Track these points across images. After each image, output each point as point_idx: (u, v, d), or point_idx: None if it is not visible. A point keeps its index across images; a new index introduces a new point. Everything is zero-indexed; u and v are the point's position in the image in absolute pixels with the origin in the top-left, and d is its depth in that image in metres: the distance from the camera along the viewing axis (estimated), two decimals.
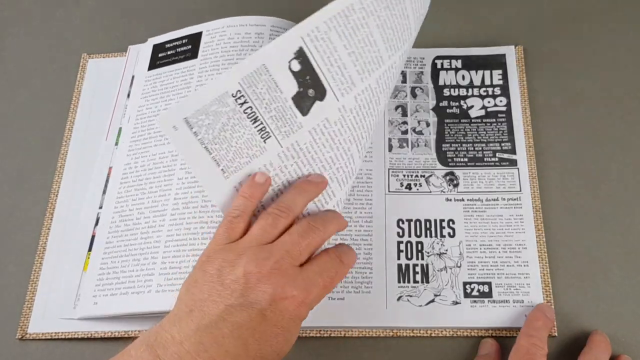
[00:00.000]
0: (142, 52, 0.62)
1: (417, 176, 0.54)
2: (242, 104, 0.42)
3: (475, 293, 0.49)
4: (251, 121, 0.42)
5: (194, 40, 0.60)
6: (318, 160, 0.44)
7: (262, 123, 0.42)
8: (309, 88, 0.42)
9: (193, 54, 0.59)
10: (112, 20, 0.66)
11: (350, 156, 0.45)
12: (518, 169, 0.54)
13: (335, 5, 0.40)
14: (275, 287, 0.39)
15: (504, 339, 0.48)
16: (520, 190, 0.53)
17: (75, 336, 0.50)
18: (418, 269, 0.50)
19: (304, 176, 0.45)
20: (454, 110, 0.57)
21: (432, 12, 0.63)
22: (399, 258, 0.51)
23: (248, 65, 0.41)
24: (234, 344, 0.38)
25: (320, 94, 0.42)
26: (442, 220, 0.52)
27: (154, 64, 0.60)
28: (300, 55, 0.41)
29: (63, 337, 0.50)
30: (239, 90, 0.41)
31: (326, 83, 0.42)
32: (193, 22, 0.61)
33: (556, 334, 0.48)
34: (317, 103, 0.42)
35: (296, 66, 0.41)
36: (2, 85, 0.63)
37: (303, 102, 0.42)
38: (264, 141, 0.43)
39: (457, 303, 0.49)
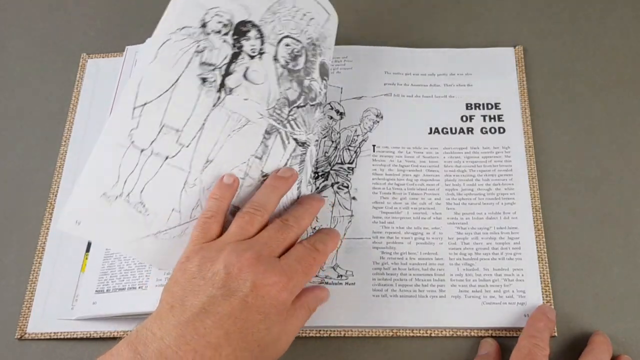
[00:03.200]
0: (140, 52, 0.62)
1: None
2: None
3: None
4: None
5: None
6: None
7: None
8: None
9: None
10: (112, 20, 0.66)
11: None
12: (518, 168, 0.54)
13: None
14: (256, 273, 0.40)
15: (504, 339, 0.48)
16: (520, 190, 0.53)
17: (74, 336, 0.50)
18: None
19: (274, 171, 0.47)
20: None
21: (431, 12, 0.63)
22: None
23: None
24: (215, 334, 0.38)
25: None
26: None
27: None
28: None
29: (62, 337, 0.50)
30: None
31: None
32: None
33: (556, 334, 0.48)
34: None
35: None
36: (2, 85, 0.63)
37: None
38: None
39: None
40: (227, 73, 0.47)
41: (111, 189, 0.44)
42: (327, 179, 0.54)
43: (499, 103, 0.57)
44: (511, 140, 0.55)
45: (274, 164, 0.48)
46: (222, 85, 0.46)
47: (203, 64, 0.46)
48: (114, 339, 0.50)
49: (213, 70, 0.46)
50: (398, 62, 0.59)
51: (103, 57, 0.63)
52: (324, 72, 0.52)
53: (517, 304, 0.49)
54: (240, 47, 0.48)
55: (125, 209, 0.44)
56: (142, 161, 0.44)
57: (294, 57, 0.49)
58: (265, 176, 0.48)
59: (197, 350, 0.38)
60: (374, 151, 0.55)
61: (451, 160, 0.55)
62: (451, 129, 0.56)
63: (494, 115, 0.56)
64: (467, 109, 0.57)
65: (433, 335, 0.48)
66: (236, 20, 0.48)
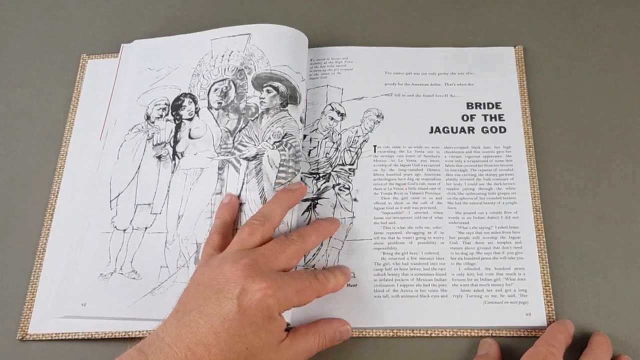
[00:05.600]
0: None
1: None
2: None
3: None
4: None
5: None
6: None
7: None
8: None
9: None
10: (112, 21, 0.65)
11: None
12: (518, 168, 0.54)
13: None
14: (246, 277, 0.42)
15: (504, 339, 0.48)
16: (521, 190, 0.53)
17: (76, 337, 0.50)
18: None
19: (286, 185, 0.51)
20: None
21: (431, 11, 0.63)
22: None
23: None
24: (206, 333, 0.40)
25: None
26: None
27: None
28: None
29: (63, 337, 0.50)
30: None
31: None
32: (192, 23, 0.61)
33: None
34: None
35: None
36: (2, 85, 0.63)
37: None
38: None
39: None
40: (176, 142, 0.55)
41: (105, 268, 0.51)
42: (328, 181, 0.54)
43: (500, 102, 0.57)
44: (512, 140, 0.55)
45: (232, 189, 0.52)
46: (175, 153, 0.55)
47: (155, 145, 0.55)
48: (116, 339, 0.50)
49: (164, 146, 0.55)
50: (398, 62, 0.59)
51: (103, 58, 0.63)
52: (260, 83, 0.55)
53: (519, 303, 0.49)
54: (180, 118, 0.56)
55: (121, 280, 0.50)
56: (127, 239, 0.52)
57: (224, 95, 0.56)
58: None
59: (189, 347, 0.40)
60: (375, 152, 0.55)
61: (452, 159, 0.55)
62: (452, 128, 0.56)
63: (495, 115, 0.56)
64: (468, 108, 0.57)
65: (433, 335, 0.49)
66: (171, 100, 0.57)
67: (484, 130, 0.56)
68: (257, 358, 0.42)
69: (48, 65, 0.63)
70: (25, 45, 0.65)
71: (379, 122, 0.57)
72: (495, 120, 0.56)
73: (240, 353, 0.41)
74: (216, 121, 0.54)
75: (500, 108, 0.57)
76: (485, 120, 0.56)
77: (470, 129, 0.56)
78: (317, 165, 0.55)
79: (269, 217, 0.48)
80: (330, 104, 0.57)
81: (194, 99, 0.56)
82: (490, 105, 0.57)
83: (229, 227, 0.49)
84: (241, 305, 0.41)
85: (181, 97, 0.57)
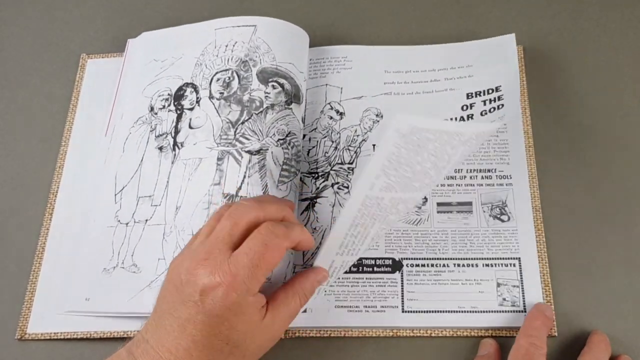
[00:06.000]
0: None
1: None
2: None
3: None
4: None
5: None
6: None
7: None
8: None
9: None
10: (112, 20, 0.65)
11: None
12: (518, 168, 0.54)
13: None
14: (201, 277, 0.40)
15: (504, 339, 0.48)
16: (521, 190, 0.53)
17: (75, 336, 0.50)
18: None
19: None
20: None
21: (431, 11, 0.63)
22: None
23: None
24: (183, 337, 0.39)
25: None
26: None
27: None
28: None
29: (62, 337, 0.50)
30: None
31: None
32: (192, 22, 0.61)
33: (556, 333, 0.48)
34: None
35: None
36: (2, 85, 0.63)
37: None
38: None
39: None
40: (176, 132, 0.55)
41: (109, 262, 0.51)
42: (327, 180, 0.54)
43: (501, 95, 0.56)
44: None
45: (232, 182, 0.51)
46: (175, 143, 0.54)
47: (157, 137, 0.55)
48: (115, 339, 0.50)
49: (165, 137, 0.55)
50: (398, 61, 0.59)
51: (103, 57, 0.63)
52: (266, 77, 0.55)
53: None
54: (182, 108, 0.56)
55: (122, 274, 0.51)
56: (129, 232, 0.52)
57: (227, 85, 0.55)
58: (227, 197, 0.50)
59: (171, 351, 0.39)
60: (374, 151, 0.55)
61: None
62: (451, 119, 0.56)
63: (495, 107, 0.56)
64: (467, 98, 0.57)
65: (433, 335, 0.48)
66: (174, 90, 0.56)
67: (482, 113, 0.56)
68: (243, 345, 0.41)
69: (48, 65, 0.63)
70: (25, 45, 0.65)
71: (378, 121, 0.57)
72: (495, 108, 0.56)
73: (222, 350, 0.40)
74: (217, 111, 0.54)
75: (500, 91, 0.56)
76: (484, 115, 0.56)
77: (470, 116, 0.56)
78: (316, 164, 0.55)
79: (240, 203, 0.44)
80: (329, 103, 0.57)
81: (195, 89, 0.56)
82: (491, 91, 0.56)
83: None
84: (206, 309, 0.39)
85: (183, 87, 0.56)
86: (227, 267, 0.40)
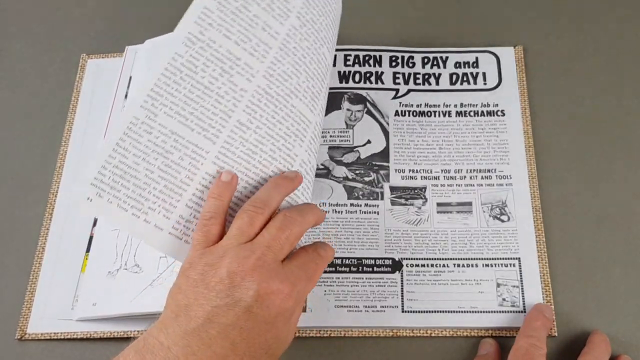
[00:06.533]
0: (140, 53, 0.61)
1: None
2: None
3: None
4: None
5: None
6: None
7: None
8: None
9: None
10: (112, 20, 0.66)
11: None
12: (518, 168, 0.54)
13: None
14: (259, 282, 0.38)
15: (504, 339, 0.48)
16: (520, 190, 0.53)
17: (75, 336, 0.50)
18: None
19: (277, 173, 0.46)
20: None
21: (432, 12, 0.63)
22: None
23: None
24: (221, 344, 0.38)
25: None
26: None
27: None
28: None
29: (62, 337, 0.50)
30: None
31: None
32: None
33: (556, 334, 0.48)
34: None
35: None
36: (2, 85, 0.63)
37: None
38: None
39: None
40: None
41: (113, 265, 0.51)
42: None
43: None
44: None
45: None
46: None
47: None
48: (114, 339, 0.50)
49: None
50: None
51: (103, 57, 0.63)
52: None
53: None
54: None
55: (125, 276, 0.51)
56: None
57: None
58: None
59: None
60: None
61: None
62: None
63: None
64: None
65: (433, 335, 0.48)
66: None
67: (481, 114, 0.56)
68: (276, 354, 0.40)
69: (48, 65, 0.63)
70: (25, 45, 0.65)
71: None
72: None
73: (259, 358, 0.39)
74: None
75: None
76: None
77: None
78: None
79: (267, 203, 0.42)
80: None
81: None
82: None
83: (225, 213, 0.43)
84: (259, 314, 0.38)
85: None
86: (285, 276, 0.40)
